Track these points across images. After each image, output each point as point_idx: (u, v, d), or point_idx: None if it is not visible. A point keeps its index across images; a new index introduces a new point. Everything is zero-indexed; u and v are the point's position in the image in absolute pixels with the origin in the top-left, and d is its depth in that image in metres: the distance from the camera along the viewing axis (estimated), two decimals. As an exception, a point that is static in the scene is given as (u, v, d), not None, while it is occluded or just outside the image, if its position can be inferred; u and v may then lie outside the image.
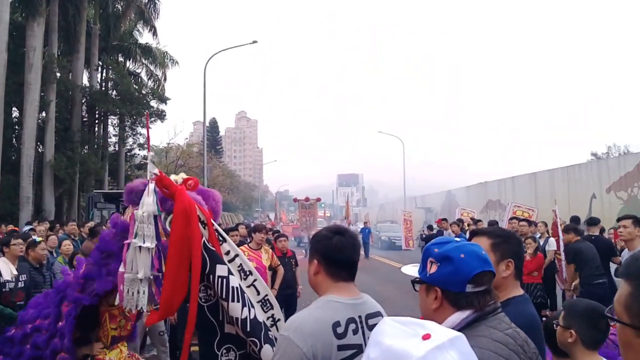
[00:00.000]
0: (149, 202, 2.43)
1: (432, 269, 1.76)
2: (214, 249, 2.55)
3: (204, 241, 2.52)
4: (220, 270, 2.49)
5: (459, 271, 1.70)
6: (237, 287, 2.49)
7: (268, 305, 2.72)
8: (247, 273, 2.70)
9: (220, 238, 2.67)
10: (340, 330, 1.98)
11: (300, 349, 1.89)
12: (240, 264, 2.69)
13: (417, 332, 1.20)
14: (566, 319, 2.54)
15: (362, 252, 25.47)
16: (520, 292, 2.37)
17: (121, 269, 2.50)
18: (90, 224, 12.65)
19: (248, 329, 2.45)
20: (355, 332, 2.02)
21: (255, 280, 2.70)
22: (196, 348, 7.64)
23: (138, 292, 2.42)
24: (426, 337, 1.17)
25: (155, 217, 2.44)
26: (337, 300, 2.08)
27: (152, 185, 2.44)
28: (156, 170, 2.45)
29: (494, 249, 2.27)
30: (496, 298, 1.80)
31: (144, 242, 2.40)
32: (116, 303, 2.64)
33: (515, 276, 2.34)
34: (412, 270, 1.90)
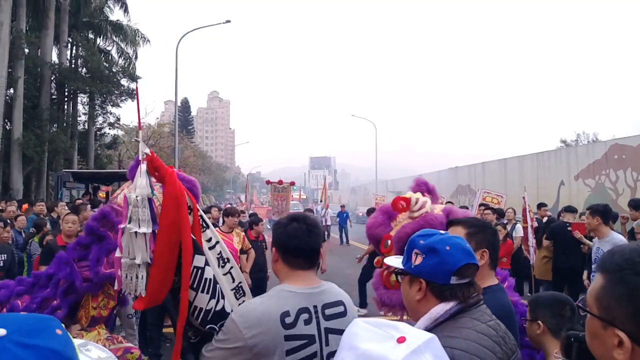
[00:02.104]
0: (142, 185, 2.26)
1: (417, 260, 1.77)
2: (194, 237, 2.48)
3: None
4: (197, 260, 2.39)
5: (445, 263, 1.73)
6: (210, 279, 2.42)
7: (241, 292, 2.69)
8: (225, 260, 2.63)
9: (204, 225, 2.60)
10: (289, 320, 1.97)
11: (243, 335, 1.92)
12: (220, 251, 2.62)
13: (392, 335, 1.19)
14: (532, 312, 2.58)
15: (338, 237, 24.17)
16: (495, 281, 2.43)
17: (117, 254, 2.36)
18: (62, 204, 12.48)
19: (208, 319, 2.38)
20: (307, 322, 2.00)
21: (232, 267, 2.65)
22: (170, 330, 7.50)
23: (137, 277, 2.30)
24: (401, 340, 1.17)
25: (149, 199, 2.29)
26: (289, 289, 2.07)
27: (144, 167, 2.27)
28: (147, 151, 2.29)
29: (469, 238, 2.25)
30: (479, 290, 1.82)
31: (139, 227, 2.25)
32: (115, 288, 2.52)
33: (490, 266, 2.39)
34: (395, 261, 1.92)
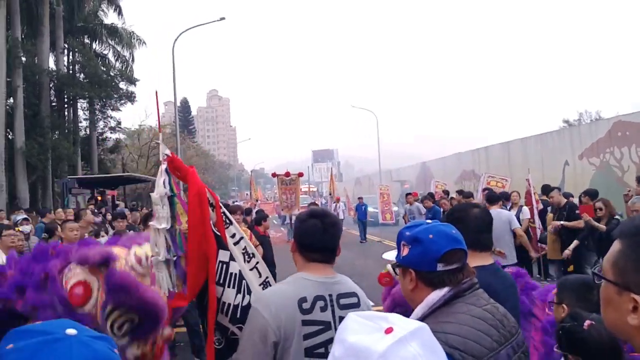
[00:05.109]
0: (159, 184, 2.44)
1: (405, 251, 1.84)
2: (219, 233, 2.57)
3: (211, 224, 2.55)
4: (222, 255, 2.52)
5: (429, 251, 1.77)
6: (236, 274, 2.52)
7: (268, 287, 2.77)
8: (251, 255, 2.71)
9: (227, 221, 2.68)
10: (306, 306, 2.04)
11: (265, 319, 1.99)
12: (245, 247, 2.71)
13: (381, 326, 1.20)
14: (559, 294, 2.55)
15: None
16: (485, 262, 2.40)
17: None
18: (70, 211, 12.50)
19: (238, 316, 2.45)
20: (323, 309, 2.07)
21: (257, 262, 2.72)
22: (181, 329, 7.50)
23: (168, 275, 2.44)
24: (388, 330, 1.17)
25: (169, 197, 2.44)
26: (306, 277, 2.14)
27: (163, 167, 2.45)
28: (168, 152, 2.47)
29: None
30: (471, 275, 1.85)
31: (160, 224, 2.42)
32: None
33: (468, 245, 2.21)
34: (392, 255, 1.99)
